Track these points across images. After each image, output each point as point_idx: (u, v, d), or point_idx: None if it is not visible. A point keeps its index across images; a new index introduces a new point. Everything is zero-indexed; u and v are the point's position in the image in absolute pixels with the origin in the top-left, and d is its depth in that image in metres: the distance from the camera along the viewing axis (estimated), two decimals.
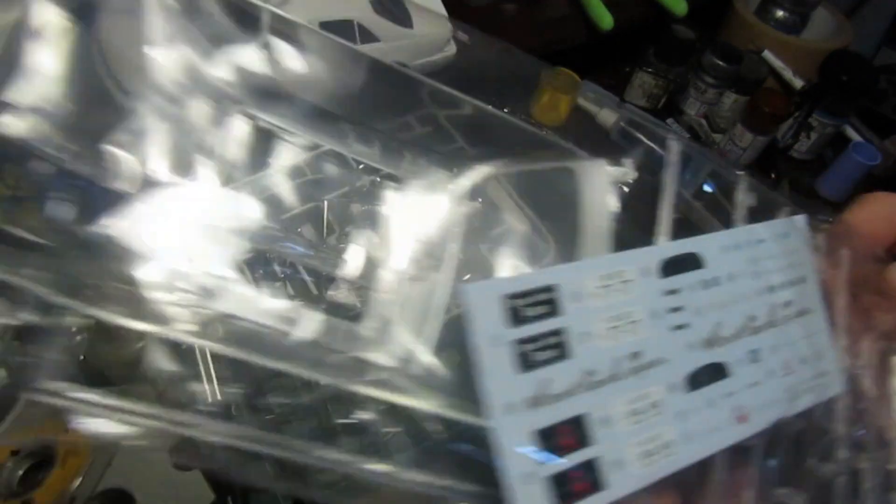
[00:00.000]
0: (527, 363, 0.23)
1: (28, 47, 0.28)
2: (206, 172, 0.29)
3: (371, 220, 0.32)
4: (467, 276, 0.30)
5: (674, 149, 0.34)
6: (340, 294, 0.35)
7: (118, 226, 0.27)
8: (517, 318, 0.23)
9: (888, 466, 0.27)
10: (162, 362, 0.30)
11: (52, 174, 0.30)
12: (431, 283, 0.30)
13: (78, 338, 0.49)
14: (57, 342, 0.27)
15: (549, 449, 0.23)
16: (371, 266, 0.32)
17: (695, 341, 0.26)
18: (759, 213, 0.31)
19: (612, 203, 0.33)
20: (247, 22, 0.33)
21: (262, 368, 0.26)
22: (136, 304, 0.27)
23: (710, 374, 0.26)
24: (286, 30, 0.33)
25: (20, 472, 0.47)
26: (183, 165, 0.28)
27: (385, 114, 0.38)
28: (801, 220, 0.30)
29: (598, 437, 0.24)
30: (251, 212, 0.31)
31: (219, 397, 0.30)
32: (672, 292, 0.26)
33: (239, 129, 0.33)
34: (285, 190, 0.34)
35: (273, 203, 0.33)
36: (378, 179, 0.35)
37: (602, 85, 0.86)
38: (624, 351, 0.24)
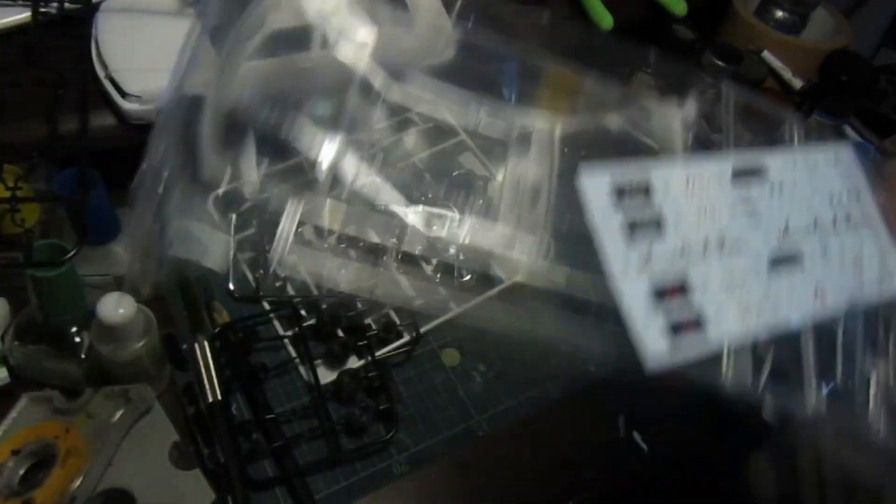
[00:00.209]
0: (633, 237, 0.29)
1: None
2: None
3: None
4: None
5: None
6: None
7: None
8: (622, 200, 0.29)
9: None
10: None
11: None
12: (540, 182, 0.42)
13: (78, 339, 0.49)
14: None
15: (660, 300, 0.29)
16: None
17: (770, 233, 0.32)
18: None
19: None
20: None
21: None
22: None
23: (788, 260, 0.31)
24: None
25: (21, 472, 0.47)
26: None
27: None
28: (848, 148, 0.35)
29: (698, 296, 0.30)
30: None
31: None
32: (745, 194, 0.32)
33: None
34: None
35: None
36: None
37: (602, 85, 0.86)
38: (712, 234, 0.30)
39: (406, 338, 0.60)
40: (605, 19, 0.82)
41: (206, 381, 0.52)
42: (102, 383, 0.51)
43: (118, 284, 0.54)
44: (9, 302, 0.53)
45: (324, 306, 0.60)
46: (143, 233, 0.49)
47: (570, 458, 0.58)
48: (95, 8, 0.55)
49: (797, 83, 0.89)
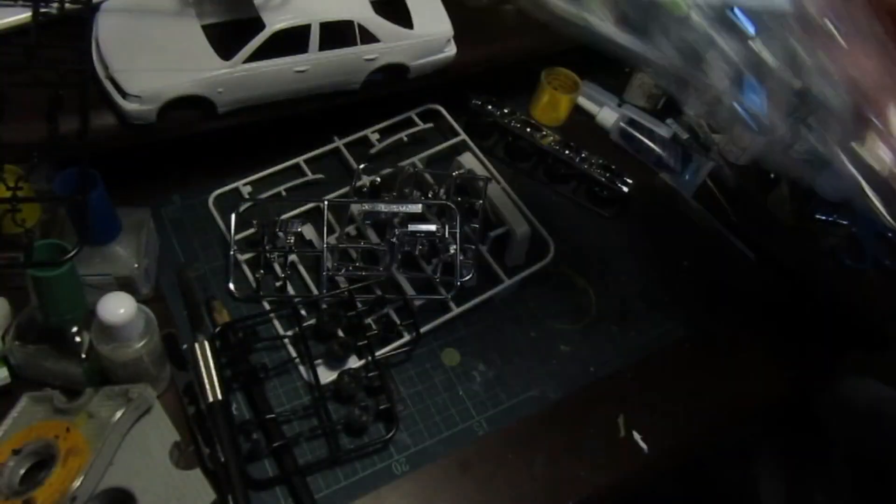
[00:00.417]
0: None
1: None
2: None
3: None
4: None
5: None
6: None
7: None
8: None
9: None
10: None
11: None
12: None
13: (78, 339, 0.49)
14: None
15: None
16: None
17: None
18: None
19: None
20: None
21: None
22: None
23: None
24: None
25: (21, 472, 0.47)
26: None
27: None
28: None
29: None
30: None
31: None
32: None
33: None
34: None
35: None
36: None
37: (602, 85, 0.87)
38: None
39: (406, 338, 0.60)
40: None
41: (206, 381, 0.53)
42: (103, 383, 0.51)
43: (118, 284, 0.54)
44: (9, 302, 0.53)
45: (324, 306, 0.60)
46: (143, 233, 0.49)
47: (569, 458, 0.58)
48: (95, 8, 0.55)
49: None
